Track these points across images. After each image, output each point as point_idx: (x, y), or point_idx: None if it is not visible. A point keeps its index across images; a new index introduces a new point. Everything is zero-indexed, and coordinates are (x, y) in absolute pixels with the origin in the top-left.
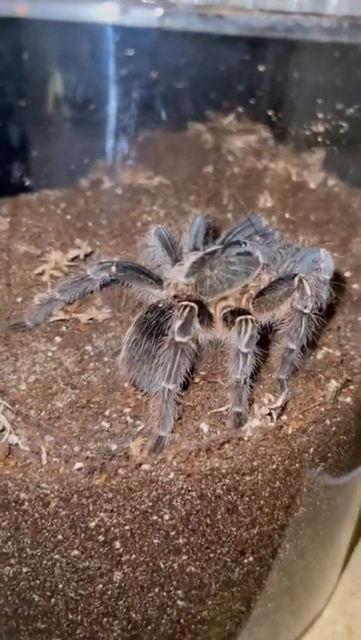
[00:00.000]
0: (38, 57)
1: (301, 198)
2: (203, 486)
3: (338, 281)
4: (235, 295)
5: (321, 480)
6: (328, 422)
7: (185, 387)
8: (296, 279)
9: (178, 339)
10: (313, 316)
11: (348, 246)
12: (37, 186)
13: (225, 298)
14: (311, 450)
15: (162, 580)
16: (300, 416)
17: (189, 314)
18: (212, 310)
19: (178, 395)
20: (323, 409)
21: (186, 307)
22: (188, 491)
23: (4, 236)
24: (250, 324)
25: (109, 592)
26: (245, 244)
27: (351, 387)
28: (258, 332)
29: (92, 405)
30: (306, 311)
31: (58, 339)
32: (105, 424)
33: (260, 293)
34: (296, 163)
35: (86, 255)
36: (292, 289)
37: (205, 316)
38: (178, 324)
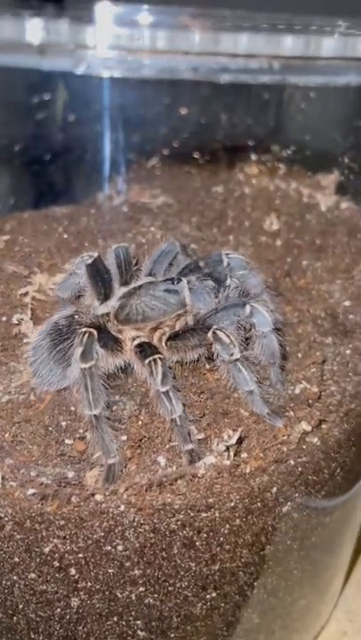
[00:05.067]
0: None
1: (310, 221)
2: (155, 520)
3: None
4: (145, 329)
5: (289, 520)
6: (292, 462)
7: (108, 410)
8: (210, 333)
9: (82, 365)
10: (244, 354)
11: (351, 273)
12: (63, 200)
13: (137, 329)
14: (274, 489)
15: (120, 609)
16: (261, 454)
17: (89, 339)
18: (121, 337)
19: (107, 418)
20: (285, 448)
21: (85, 332)
22: (141, 524)
23: None
24: (159, 363)
25: (68, 616)
26: (179, 281)
27: (324, 426)
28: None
29: (55, 431)
30: (234, 358)
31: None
32: (65, 451)
33: (174, 337)
34: (309, 184)
35: None
36: (205, 342)
37: (111, 340)
38: (79, 351)
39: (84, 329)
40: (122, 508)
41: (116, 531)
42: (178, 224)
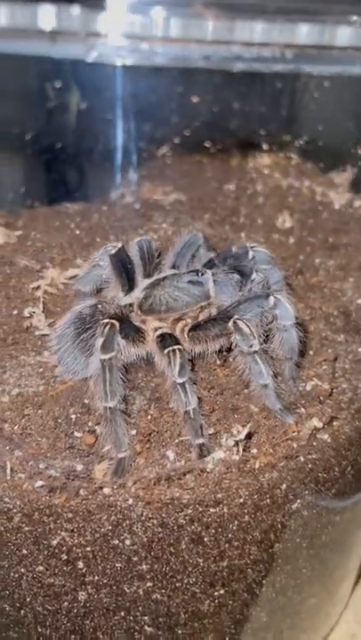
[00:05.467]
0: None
1: (323, 219)
2: (163, 515)
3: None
4: (168, 320)
5: (299, 517)
6: (302, 459)
7: (123, 404)
8: (231, 322)
9: (102, 356)
10: (263, 347)
11: None
12: (75, 195)
13: (160, 320)
14: (284, 486)
15: (127, 604)
16: (271, 450)
17: (110, 331)
18: (144, 327)
19: (122, 412)
20: (295, 445)
21: (107, 324)
22: (149, 518)
23: (9, 249)
24: (177, 354)
25: (75, 610)
26: (203, 273)
27: (335, 423)
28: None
29: (64, 424)
30: (253, 349)
31: (47, 353)
32: (74, 443)
33: (195, 327)
34: (322, 182)
35: None
36: (225, 331)
37: (133, 331)
38: (100, 341)
39: (106, 320)
40: (130, 501)
41: (124, 524)
42: (190, 221)
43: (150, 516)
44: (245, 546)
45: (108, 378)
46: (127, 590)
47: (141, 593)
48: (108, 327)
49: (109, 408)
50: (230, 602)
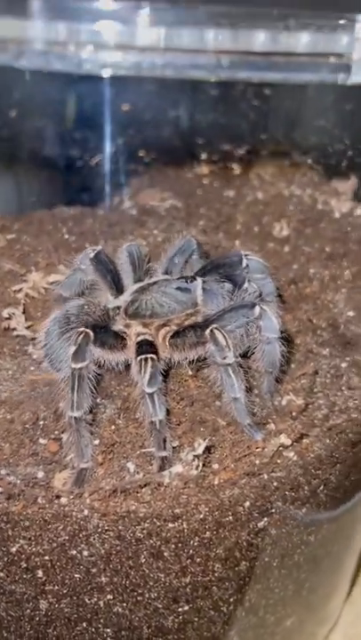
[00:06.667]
0: None
1: (322, 228)
2: (120, 527)
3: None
4: (152, 326)
5: (266, 536)
6: (266, 476)
7: (90, 415)
8: (207, 331)
9: (72, 365)
10: (238, 360)
11: (356, 283)
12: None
13: (145, 325)
14: (247, 503)
15: (88, 615)
16: (232, 466)
17: (83, 340)
18: (127, 331)
19: (88, 423)
20: (258, 461)
21: (80, 332)
22: (105, 530)
23: None
24: (149, 363)
25: (37, 618)
26: (193, 280)
27: (305, 440)
28: (162, 370)
29: (31, 430)
30: (227, 362)
31: (25, 357)
32: (38, 450)
33: (176, 334)
34: (325, 190)
35: None
36: (203, 339)
37: (111, 338)
38: (71, 350)
39: (81, 329)
40: (85, 512)
41: (81, 535)
42: (183, 227)
43: (107, 528)
44: (209, 562)
45: (76, 387)
46: (88, 601)
47: (102, 605)
48: (81, 336)
49: (75, 418)
50: (196, 619)
